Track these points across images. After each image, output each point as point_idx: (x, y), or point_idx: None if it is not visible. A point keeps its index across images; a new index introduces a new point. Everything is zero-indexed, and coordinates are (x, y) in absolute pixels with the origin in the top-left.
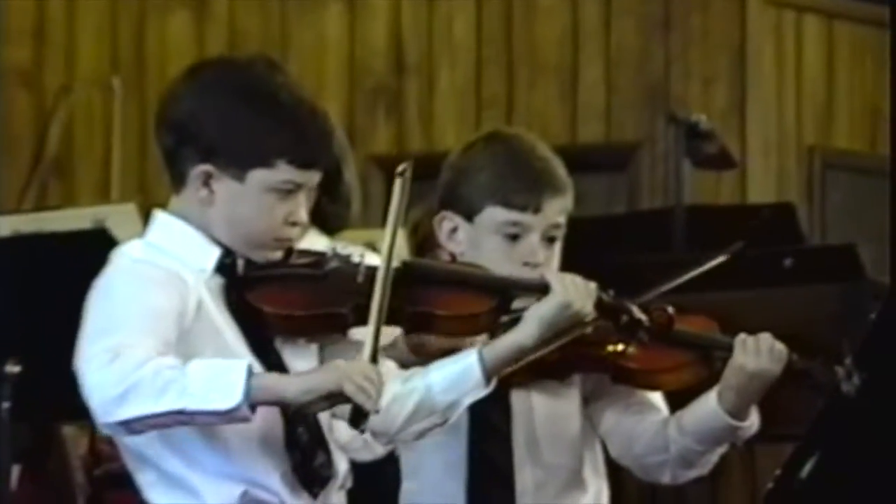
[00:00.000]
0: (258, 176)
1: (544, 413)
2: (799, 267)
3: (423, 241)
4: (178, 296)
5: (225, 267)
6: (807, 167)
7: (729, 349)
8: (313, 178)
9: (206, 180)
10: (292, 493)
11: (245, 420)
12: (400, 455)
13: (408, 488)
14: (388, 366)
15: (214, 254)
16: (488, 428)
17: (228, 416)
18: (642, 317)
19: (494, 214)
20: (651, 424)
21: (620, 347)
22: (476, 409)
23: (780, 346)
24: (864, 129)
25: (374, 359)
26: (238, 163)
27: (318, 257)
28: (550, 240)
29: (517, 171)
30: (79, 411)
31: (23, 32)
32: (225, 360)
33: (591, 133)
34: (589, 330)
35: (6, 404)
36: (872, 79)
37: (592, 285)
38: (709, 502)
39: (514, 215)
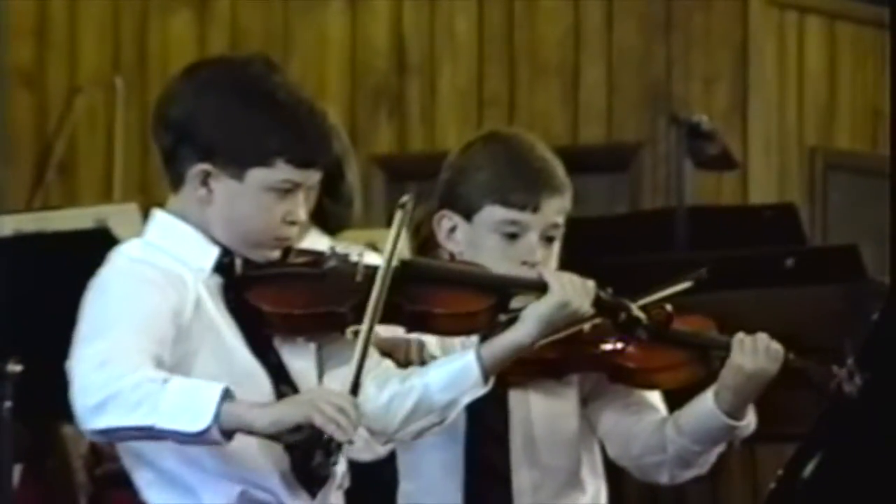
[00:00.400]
0: (257, 175)
1: (542, 413)
2: (801, 267)
3: (425, 242)
4: (176, 295)
5: (223, 266)
6: (808, 168)
7: (726, 348)
8: (312, 177)
9: (205, 179)
10: (290, 493)
11: (217, 443)
12: (397, 455)
13: (405, 488)
14: (386, 364)
15: (213, 253)
16: (486, 428)
17: (197, 438)
18: (641, 314)
19: (493, 213)
20: (648, 424)
21: (618, 346)
22: (473, 410)
23: (776, 346)
24: (866, 129)
25: (354, 388)
26: (237, 162)
27: (317, 256)
28: (549, 239)
29: (516, 170)
30: None
31: (25, 33)
32: (204, 381)
33: (592, 133)
34: (587, 328)
35: (8, 403)
36: (874, 79)
37: (590, 283)
38: (709, 502)
39: (513, 214)
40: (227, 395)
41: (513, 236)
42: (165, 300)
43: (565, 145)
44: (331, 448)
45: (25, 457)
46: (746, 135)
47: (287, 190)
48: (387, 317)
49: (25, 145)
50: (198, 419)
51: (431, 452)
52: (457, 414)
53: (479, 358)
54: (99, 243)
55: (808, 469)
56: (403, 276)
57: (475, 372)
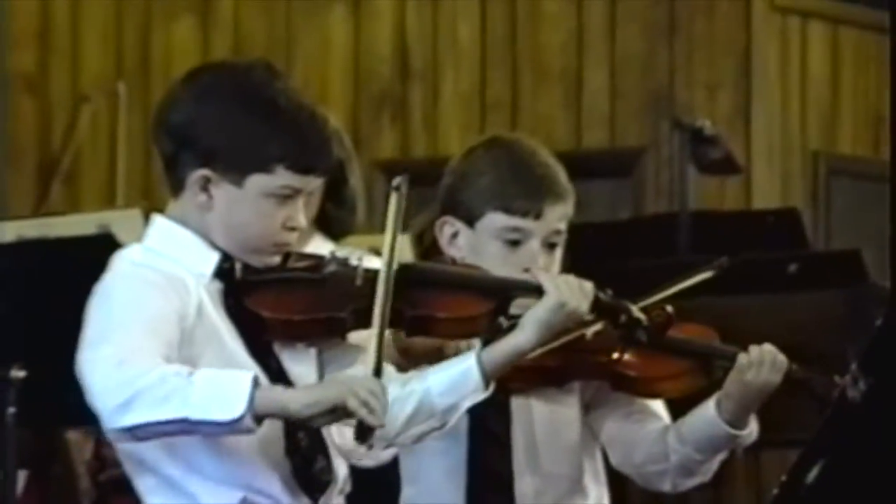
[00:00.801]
0: (257, 181)
1: (544, 420)
2: (804, 272)
3: (429, 248)
4: (179, 299)
5: (224, 271)
6: (811, 172)
7: (730, 359)
8: (312, 183)
9: (205, 185)
10: (292, 498)
11: (249, 432)
12: (399, 460)
13: (407, 494)
14: (387, 369)
15: (213, 258)
16: (488, 434)
17: (231, 427)
18: (641, 316)
19: (495, 220)
20: (651, 433)
21: (620, 354)
22: (476, 416)
23: (781, 358)
24: (869, 134)
25: (377, 372)
26: (237, 168)
27: (317, 261)
28: (551, 246)
29: (518, 176)
30: (84, 416)
31: (28, 38)
32: (231, 370)
33: (595, 138)
34: (589, 333)
35: (11, 409)
36: (877, 85)
37: (588, 285)
38: None
39: (515, 221)
40: (256, 381)
41: (515, 243)
42: (170, 303)
43: (568, 150)
44: (364, 432)
45: (29, 463)
46: (749, 140)
47: (287, 196)
48: (388, 322)
49: (29, 151)
50: (232, 407)
51: (434, 458)
52: (458, 419)
53: (480, 362)
54: (102, 249)
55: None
56: (404, 280)
57: (476, 376)
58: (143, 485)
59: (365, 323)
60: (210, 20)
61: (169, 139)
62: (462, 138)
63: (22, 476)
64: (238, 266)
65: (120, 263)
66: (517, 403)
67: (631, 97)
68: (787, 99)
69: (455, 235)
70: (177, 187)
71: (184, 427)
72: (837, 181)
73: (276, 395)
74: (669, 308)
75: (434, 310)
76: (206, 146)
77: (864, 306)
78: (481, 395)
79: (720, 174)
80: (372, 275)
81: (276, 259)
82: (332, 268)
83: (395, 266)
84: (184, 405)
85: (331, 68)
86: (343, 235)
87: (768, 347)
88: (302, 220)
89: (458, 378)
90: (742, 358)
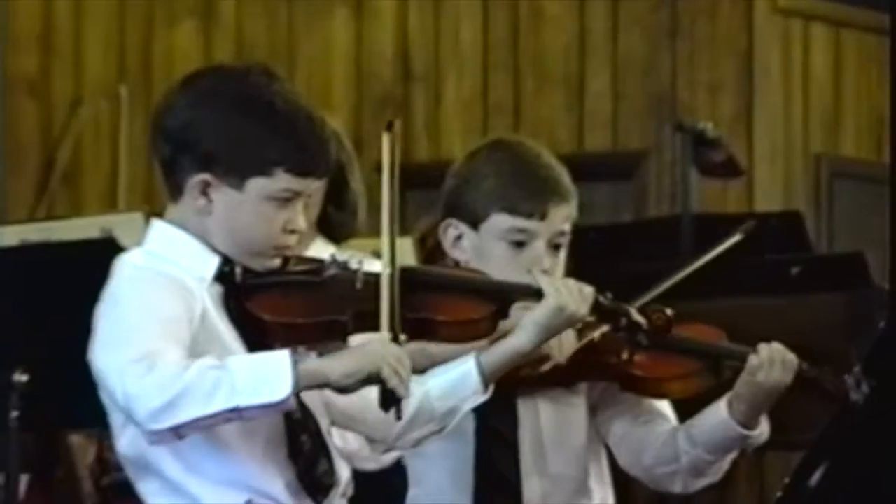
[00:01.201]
0: (257, 184)
1: (551, 422)
2: (806, 275)
3: (432, 251)
4: (185, 301)
5: (224, 275)
6: (814, 175)
7: (739, 358)
8: (311, 185)
9: (205, 189)
10: (295, 501)
11: (290, 409)
12: (407, 463)
13: (413, 495)
14: None
15: (214, 262)
16: (495, 436)
17: (278, 407)
18: (641, 319)
19: (500, 221)
20: (660, 435)
21: (629, 355)
22: (483, 418)
23: (791, 357)
24: (871, 136)
25: (395, 338)
26: (236, 171)
27: (317, 264)
28: (556, 247)
29: (522, 177)
30: (86, 420)
31: (30, 41)
32: (262, 353)
33: (597, 141)
34: (597, 337)
35: (14, 413)
36: (879, 87)
37: (588, 289)
38: None
39: (520, 222)
40: (294, 358)
41: (520, 244)
42: (179, 305)
43: (570, 153)
44: (390, 400)
45: (32, 466)
46: (752, 142)
47: (287, 199)
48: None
49: (31, 155)
50: (279, 388)
51: (441, 460)
52: (464, 420)
53: (479, 365)
54: (105, 253)
55: (815, 477)
56: (404, 284)
57: (475, 379)
58: (147, 488)
59: (365, 326)
60: (212, 23)
61: (167, 144)
62: (464, 142)
63: (24, 480)
64: (238, 270)
65: (124, 267)
66: (524, 405)
67: (633, 100)
68: (790, 101)
69: (459, 238)
70: (176, 192)
71: (231, 416)
72: (840, 183)
73: (316, 368)
74: (669, 311)
75: (434, 313)
76: (205, 150)
77: (867, 309)
78: (481, 398)
79: (722, 177)
80: (372, 278)
81: (277, 262)
82: (332, 271)
83: (396, 213)
84: (231, 394)
85: (333, 71)
86: (345, 238)
87: (778, 346)
88: (302, 222)
89: (457, 381)
90: (753, 359)
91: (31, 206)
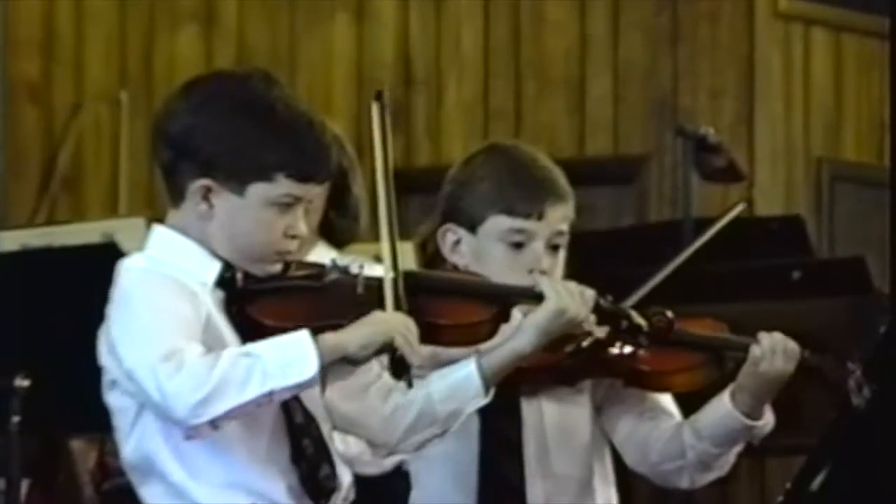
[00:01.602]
0: (258, 190)
1: (555, 421)
2: (807, 279)
3: (433, 257)
4: (191, 304)
5: (226, 280)
6: (815, 179)
7: (742, 350)
8: (312, 190)
9: (206, 194)
10: None
11: (317, 384)
12: (409, 464)
13: (415, 497)
14: (387, 377)
15: (215, 268)
16: (499, 438)
17: (307, 385)
18: (642, 322)
19: (498, 223)
20: (665, 431)
21: (632, 350)
22: (486, 418)
23: (793, 345)
24: (872, 140)
25: (398, 306)
26: (237, 177)
27: (318, 269)
28: (554, 248)
29: (519, 179)
30: (87, 425)
31: (31, 47)
32: (281, 337)
33: (598, 146)
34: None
35: (15, 418)
36: (880, 91)
37: (589, 292)
38: None
39: (518, 223)
40: (313, 336)
41: (518, 245)
42: (187, 306)
43: (571, 158)
44: (401, 369)
45: (33, 471)
46: (753, 147)
47: (288, 204)
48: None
49: (31, 160)
50: (306, 367)
51: (444, 462)
52: (468, 422)
53: (480, 368)
54: (107, 258)
55: (817, 482)
56: (406, 288)
57: (476, 382)
58: (150, 493)
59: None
60: (213, 29)
61: (169, 149)
62: (465, 146)
63: (25, 484)
64: (239, 275)
65: (130, 271)
66: (528, 405)
67: (634, 105)
68: (791, 106)
69: (457, 243)
70: (177, 197)
71: (263, 400)
72: (841, 188)
73: (335, 342)
74: (670, 313)
75: (436, 317)
76: (206, 156)
77: (868, 314)
78: (482, 401)
79: (723, 181)
80: (373, 283)
81: (278, 267)
82: (333, 276)
83: (391, 180)
84: (265, 380)
85: (334, 76)
86: (346, 243)
87: (779, 336)
88: (303, 227)
89: (458, 384)
90: (755, 350)
91: (33, 211)
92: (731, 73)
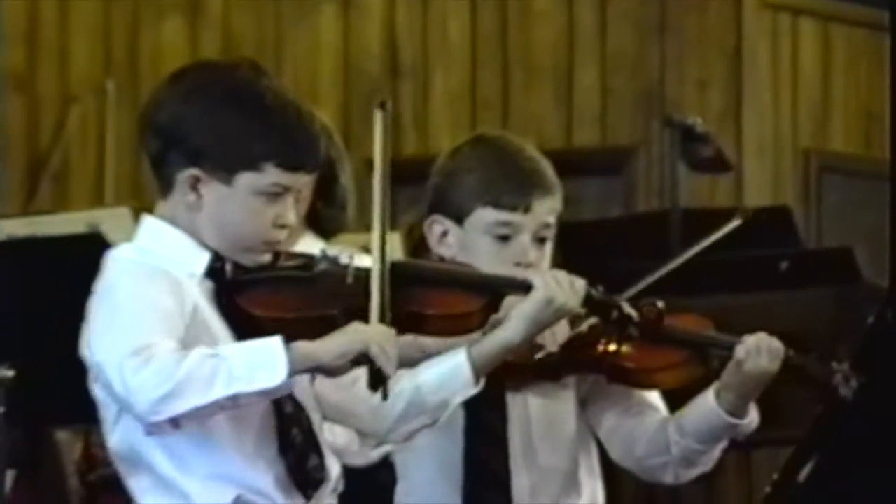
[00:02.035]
0: (246, 179)
1: (540, 415)
2: (795, 270)
3: (417, 247)
4: (177, 296)
5: (215, 271)
6: (802, 170)
7: (726, 348)
8: (301, 180)
9: (194, 184)
10: (286, 497)
11: (286, 392)
12: (395, 457)
13: (400, 489)
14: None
15: (204, 258)
16: (484, 431)
17: (273, 392)
18: (632, 312)
19: (484, 215)
20: (650, 426)
21: (616, 347)
22: (472, 412)
23: (777, 344)
24: (860, 131)
25: (383, 318)
26: (226, 166)
27: (307, 260)
28: (541, 240)
29: (506, 171)
30: (73, 416)
31: (16, 36)
32: (254, 341)
33: (586, 136)
34: (584, 329)
35: (0, 409)
36: (868, 82)
37: (580, 282)
38: None
39: (505, 215)
40: (286, 343)
41: (505, 238)
42: (172, 299)
43: (559, 148)
44: (378, 380)
45: (18, 462)
46: (740, 137)
47: (277, 194)
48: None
49: (17, 149)
50: (275, 373)
51: (430, 454)
52: (453, 414)
53: (470, 358)
54: (92, 247)
55: (804, 473)
56: (394, 278)
57: (466, 372)
58: (137, 485)
59: (356, 321)
60: (199, 18)
61: (156, 139)
62: (452, 136)
63: (11, 475)
64: (228, 265)
65: (117, 262)
66: (513, 399)
67: (622, 95)
68: (778, 96)
69: (444, 234)
70: (165, 187)
71: (227, 403)
72: (829, 178)
73: (307, 351)
74: (660, 303)
75: (424, 307)
76: (194, 145)
77: (856, 304)
78: (472, 391)
79: (711, 171)
80: (362, 273)
81: (267, 257)
82: (322, 266)
83: (388, 182)
84: (229, 382)
85: (321, 67)
86: (334, 233)
87: (763, 335)
88: (292, 217)
89: (448, 374)
90: (739, 349)
91: (22, 206)
92: (718, 63)
